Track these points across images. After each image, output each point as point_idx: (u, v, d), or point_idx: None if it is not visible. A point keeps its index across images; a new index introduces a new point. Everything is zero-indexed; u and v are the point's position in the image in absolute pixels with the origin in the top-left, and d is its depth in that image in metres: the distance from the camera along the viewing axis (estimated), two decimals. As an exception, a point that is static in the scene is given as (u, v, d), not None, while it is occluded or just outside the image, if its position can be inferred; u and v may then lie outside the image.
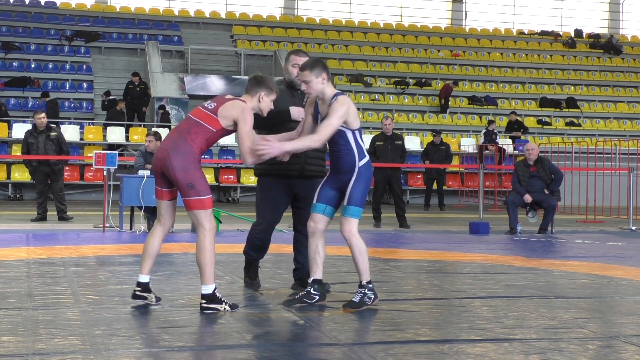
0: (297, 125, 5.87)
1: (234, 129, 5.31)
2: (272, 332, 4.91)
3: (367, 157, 5.58)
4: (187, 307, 5.43)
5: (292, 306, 5.49)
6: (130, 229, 11.00)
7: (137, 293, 5.39)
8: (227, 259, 8.12)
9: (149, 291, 5.43)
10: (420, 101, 24.98)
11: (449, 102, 24.56)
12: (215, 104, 5.34)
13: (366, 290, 5.52)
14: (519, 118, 23.41)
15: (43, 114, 12.77)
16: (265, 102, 5.38)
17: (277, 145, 5.28)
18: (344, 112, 5.37)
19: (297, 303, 5.53)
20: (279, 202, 6.23)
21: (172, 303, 5.60)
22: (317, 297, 5.57)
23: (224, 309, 5.20)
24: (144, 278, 5.40)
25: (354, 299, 5.53)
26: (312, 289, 5.58)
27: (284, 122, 5.94)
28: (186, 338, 4.55)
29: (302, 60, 6.01)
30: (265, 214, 6.26)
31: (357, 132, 5.49)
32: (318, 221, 5.56)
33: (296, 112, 5.95)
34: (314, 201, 5.61)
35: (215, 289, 5.25)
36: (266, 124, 5.85)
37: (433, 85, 25.95)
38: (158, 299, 5.51)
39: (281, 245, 9.54)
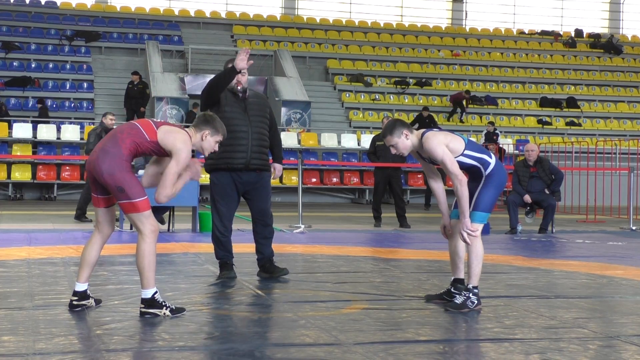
0: (245, 130, 6.55)
1: (167, 154, 5.13)
2: (273, 331, 4.91)
3: (493, 163, 5.63)
4: (188, 306, 5.43)
5: (447, 308, 5.51)
6: (130, 228, 11.00)
7: (74, 302, 5.23)
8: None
9: (87, 298, 5.28)
10: (421, 101, 24.96)
11: (457, 109, 24.43)
12: (164, 122, 5.27)
13: (471, 294, 5.51)
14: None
15: (113, 115, 12.90)
16: (209, 141, 5.25)
17: (465, 222, 5.46)
18: (438, 143, 5.44)
19: (436, 299, 5.69)
20: (231, 196, 6.72)
21: (173, 303, 5.60)
22: (477, 302, 5.53)
23: (164, 313, 5.06)
24: (81, 286, 5.25)
25: (456, 300, 5.53)
26: (470, 292, 5.53)
27: (232, 129, 6.49)
28: (186, 338, 4.54)
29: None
30: (220, 209, 6.72)
31: (466, 152, 5.54)
32: (451, 225, 5.77)
33: (242, 62, 6.41)
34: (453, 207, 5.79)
35: (155, 293, 5.10)
36: (219, 89, 6.59)
37: (433, 85, 25.95)
38: (98, 301, 5.39)
39: (282, 245, 9.54)
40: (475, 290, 5.56)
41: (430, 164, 5.69)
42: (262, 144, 6.79)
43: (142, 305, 5.10)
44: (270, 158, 7.04)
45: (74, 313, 5.15)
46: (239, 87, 6.77)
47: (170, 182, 5.04)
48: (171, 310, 5.08)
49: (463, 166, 5.56)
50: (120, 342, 4.38)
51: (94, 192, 5.19)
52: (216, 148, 5.36)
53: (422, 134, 5.55)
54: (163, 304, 5.11)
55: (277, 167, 7.11)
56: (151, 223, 5.09)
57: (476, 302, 5.53)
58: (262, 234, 6.92)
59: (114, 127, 12.71)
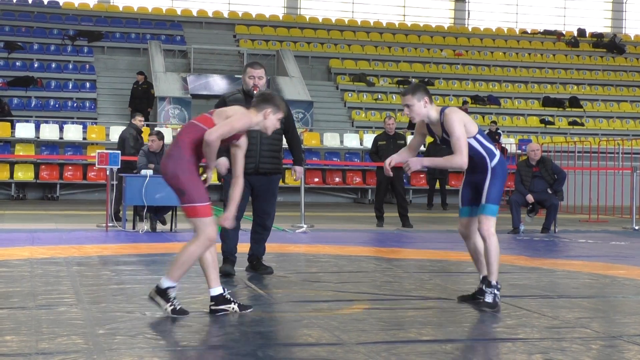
0: (254, 135, 6.47)
1: (229, 140, 5.13)
2: (275, 331, 4.91)
3: (498, 155, 5.64)
4: (190, 306, 5.43)
5: (481, 308, 5.52)
6: (133, 228, 11.01)
7: (212, 308, 5.22)
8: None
9: (227, 302, 5.22)
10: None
11: None
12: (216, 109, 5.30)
13: (495, 290, 5.54)
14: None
15: (142, 117, 13.09)
16: (271, 119, 5.24)
17: (416, 160, 5.54)
18: (460, 120, 5.44)
19: (485, 307, 5.52)
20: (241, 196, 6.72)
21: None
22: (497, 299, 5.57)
23: (165, 309, 5.04)
24: (215, 291, 5.23)
25: (487, 299, 5.52)
26: (494, 289, 5.58)
27: None
28: (189, 338, 4.55)
29: (257, 72, 6.78)
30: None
31: (478, 136, 5.56)
32: (465, 225, 5.76)
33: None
34: (460, 205, 5.81)
35: (170, 287, 5.06)
36: None
37: (436, 84, 25.94)
38: (244, 307, 5.27)
39: (284, 245, 9.56)
40: (499, 286, 5.60)
41: (423, 139, 5.75)
42: (273, 149, 6.91)
43: (155, 289, 5.10)
44: (291, 159, 7.25)
45: (76, 312, 5.15)
46: (255, 91, 6.80)
47: (224, 129, 4.99)
48: (173, 310, 5.07)
49: (471, 151, 5.54)
50: (123, 342, 4.39)
51: None
52: (278, 125, 5.36)
53: (442, 109, 5.54)
54: (171, 300, 5.09)
55: (298, 170, 7.25)
56: (210, 231, 5.06)
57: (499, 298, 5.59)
58: (260, 235, 7.13)
59: (143, 127, 12.97)
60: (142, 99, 21.13)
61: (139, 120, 12.89)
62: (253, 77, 6.82)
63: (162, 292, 5.08)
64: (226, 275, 6.75)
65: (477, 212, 5.65)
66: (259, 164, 6.88)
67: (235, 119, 5.08)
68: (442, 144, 5.64)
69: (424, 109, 5.52)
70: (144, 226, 10.88)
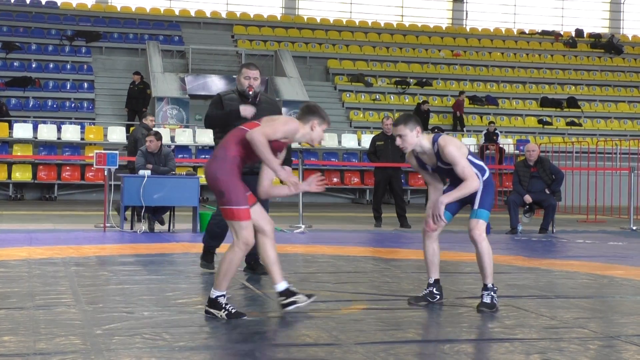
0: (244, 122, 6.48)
1: (276, 147, 5.15)
2: (273, 331, 4.91)
3: (488, 171, 5.73)
4: (188, 306, 5.43)
5: (417, 303, 5.65)
6: (131, 228, 11.01)
7: (283, 302, 5.30)
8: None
9: (292, 294, 5.30)
10: (421, 101, 24.94)
11: (463, 119, 24.38)
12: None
13: (492, 293, 5.59)
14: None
15: (153, 117, 13.36)
16: (317, 131, 5.23)
17: (440, 206, 5.58)
18: (458, 149, 5.51)
19: (421, 301, 5.69)
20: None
21: (173, 303, 5.60)
22: (438, 296, 5.75)
23: (221, 315, 5.06)
24: (280, 286, 5.30)
25: (485, 300, 5.55)
26: (434, 288, 5.75)
27: (235, 120, 6.46)
28: (187, 338, 4.55)
29: (253, 73, 6.79)
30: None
31: (469, 156, 5.61)
32: (435, 228, 5.77)
33: (246, 110, 6.66)
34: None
35: (220, 296, 5.09)
36: (220, 124, 6.75)
37: (434, 85, 25.95)
38: (309, 295, 5.37)
39: (282, 245, 9.55)
40: (495, 288, 5.65)
41: (424, 170, 5.70)
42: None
43: (207, 302, 5.14)
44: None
45: (74, 313, 5.15)
46: (250, 91, 6.86)
47: (267, 130, 4.99)
48: (228, 314, 5.06)
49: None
50: (121, 342, 4.38)
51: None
52: (323, 137, 5.37)
53: (434, 139, 5.57)
54: (224, 306, 5.09)
55: (287, 169, 7.15)
56: (246, 235, 5.04)
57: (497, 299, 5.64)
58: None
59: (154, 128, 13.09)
60: (139, 99, 21.12)
61: (150, 120, 12.98)
62: (248, 77, 6.85)
63: (213, 302, 5.11)
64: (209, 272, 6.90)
65: (471, 216, 5.66)
66: (254, 164, 6.87)
67: (280, 121, 5.12)
68: (436, 172, 5.70)
69: (416, 138, 5.55)
70: (142, 227, 10.88)
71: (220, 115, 6.82)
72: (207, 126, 7.15)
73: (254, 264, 7.15)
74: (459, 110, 24.07)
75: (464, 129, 23.92)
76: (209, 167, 5.10)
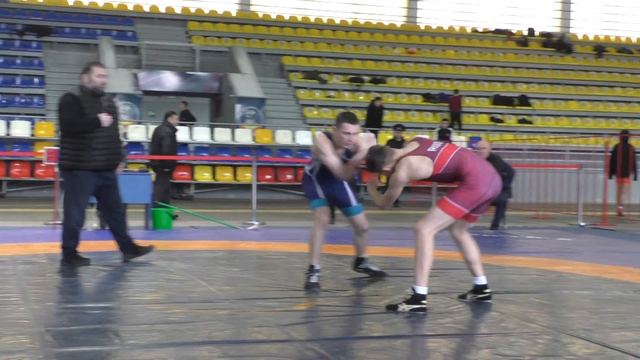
0: (105, 133, 7.15)
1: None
2: (225, 328, 4.89)
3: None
4: (141, 303, 5.38)
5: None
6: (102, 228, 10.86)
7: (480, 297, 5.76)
8: (180, 256, 8.07)
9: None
10: (375, 97, 25.05)
11: (460, 117, 24.48)
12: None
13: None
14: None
15: (177, 116, 13.42)
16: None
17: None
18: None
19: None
20: (89, 192, 7.32)
21: (125, 300, 5.55)
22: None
23: (404, 308, 5.34)
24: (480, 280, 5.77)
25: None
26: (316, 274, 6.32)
27: (95, 128, 7.11)
28: (138, 336, 4.51)
29: (104, 71, 7.25)
30: (82, 204, 7.30)
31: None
32: (328, 213, 6.49)
33: (107, 121, 7.14)
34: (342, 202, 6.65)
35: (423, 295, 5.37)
36: (80, 131, 7.12)
37: (388, 82, 26.07)
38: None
39: (235, 242, 9.54)
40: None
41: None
42: (119, 145, 7.54)
43: (404, 300, 5.40)
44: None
45: (22, 312, 5.07)
46: (103, 86, 7.25)
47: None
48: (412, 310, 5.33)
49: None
50: (72, 342, 4.33)
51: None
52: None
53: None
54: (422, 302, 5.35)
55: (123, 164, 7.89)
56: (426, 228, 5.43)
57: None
58: (121, 221, 7.62)
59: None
60: None
61: (175, 119, 12.98)
62: (102, 75, 7.18)
63: (415, 298, 5.35)
64: (86, 266, 7.12)
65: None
66: (112, 159, 7.35)
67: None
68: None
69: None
70: (93, 224, 10.75)
71: (82, 125, 7.12)
72: (67, 132, 7.28)
73: (134, 245, 7.55)
74: (456, 108, 24.26)
75: (461, 127, 24.11)
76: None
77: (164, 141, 12.69)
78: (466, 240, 5.77)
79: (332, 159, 6.27)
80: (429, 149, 5.47)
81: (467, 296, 5.82)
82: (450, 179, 5.55)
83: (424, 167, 5.41)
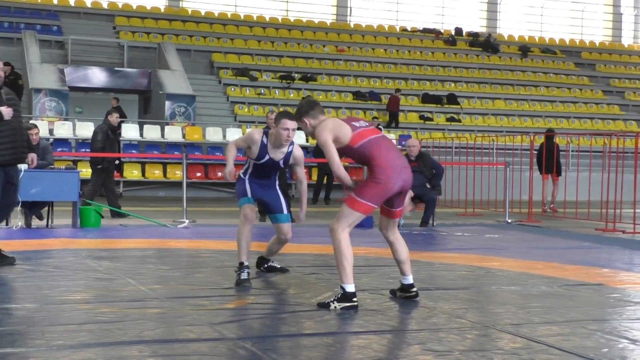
0: (15, 126, 7.07)
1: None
2: (155, 327, 4.83)
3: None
4: (67, 304, 5.27)
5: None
6: (7, 224, 10.60)
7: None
8: (109, 255, 7.95)
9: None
10: (305, 95, 25.10)
11: (398, 116, 24.73)
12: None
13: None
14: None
15: (118, 114, 13.09)
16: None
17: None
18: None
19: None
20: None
21: (52, 300, 5.44)
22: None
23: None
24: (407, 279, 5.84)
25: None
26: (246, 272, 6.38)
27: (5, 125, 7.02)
28: (65, 336, 4.42)
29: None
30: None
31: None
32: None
33: (5, 112, 7.02)
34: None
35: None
36: None
37: (318, 80, 26.14)
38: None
39: (165, 240, 9.45)
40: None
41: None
42: (24, 137, 7.38)
43: (335, 298, 5.41)
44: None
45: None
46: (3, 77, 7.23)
47: None
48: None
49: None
50: (-5, 343, 4.22)
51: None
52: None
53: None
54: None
55: (33, 156, 7.70)
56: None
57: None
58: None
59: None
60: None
61: (115, 118, 12.67)
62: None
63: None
64: (10, 265, 7.00)
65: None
66: (19, 153, 7.25)
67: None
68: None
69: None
70: (19, 222, 10.50)
71: None
72: None
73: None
74: (394, 108, 24.46)
75: (398, 126, 24.33)
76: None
77: (96, 137, 12.51)
78: (397, 241, 5.83)
79: (232, 145, 6.69)
80: (352, 123, 5.60)
81: (396, 293, 5.89)
82: (362, 161, 5.63)
83: (343, 130, 5.50)
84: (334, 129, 5.46)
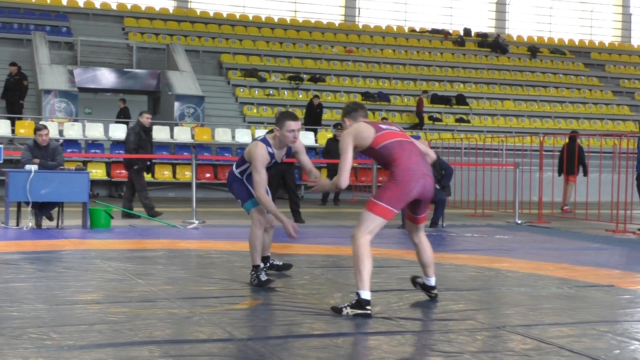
0: None
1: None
2: (165, 328, 4.83)
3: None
4: (77, 304, 5.28)
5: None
6: (17, 225, 10.64)
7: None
8: (119, 255, 7.96)
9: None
10: (313, 95, 25.09)
11: (423, 117, 24.78)
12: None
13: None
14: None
15: (149, 114, 13.02)
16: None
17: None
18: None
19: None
20: None
21: (62, 300, 5.45)
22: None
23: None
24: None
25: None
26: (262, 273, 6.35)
27: None
28: (76, 337, 4.43)
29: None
30: None
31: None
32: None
33: None
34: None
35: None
36: None
37: (327, 80, 26.13)
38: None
39: (175, 241, 9.46)
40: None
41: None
42: None
43: (349, 304, 5.33)
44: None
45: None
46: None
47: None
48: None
49: None
50: (6, 343, 4.23)
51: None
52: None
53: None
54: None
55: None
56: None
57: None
58: None
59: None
60: (15, 91, 20.38)
61: (146, 118, 12.69)
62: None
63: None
64: None
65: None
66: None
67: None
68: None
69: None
70: (29, 223, 10.53)
71: None
72: None
73: None
74: (421, 109, 24.53)
75: (422, 127, 24.36)
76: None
77: (129, 138, 12.60)
78: (421, 244, 5.85)
79: (261, 177, 6.19)
80: (380, 125, 5.61)
81: (417, 285, 5.95)
82: (384, 163, 5.58)
83: (365, 134, 5.48)
84: (356, 136, 5.47)
